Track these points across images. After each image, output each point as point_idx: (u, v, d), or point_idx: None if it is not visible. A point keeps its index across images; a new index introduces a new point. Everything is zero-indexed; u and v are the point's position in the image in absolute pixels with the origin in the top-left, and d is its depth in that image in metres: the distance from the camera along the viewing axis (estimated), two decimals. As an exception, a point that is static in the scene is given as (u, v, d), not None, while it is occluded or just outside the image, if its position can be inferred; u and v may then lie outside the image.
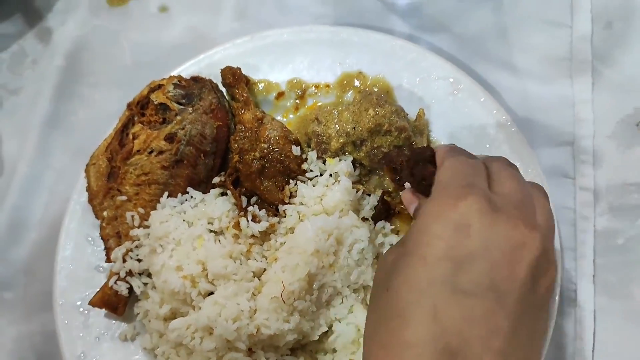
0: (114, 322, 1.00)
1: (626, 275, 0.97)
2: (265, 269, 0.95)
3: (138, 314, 0.99)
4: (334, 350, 0.93)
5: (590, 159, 1.03)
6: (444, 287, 0.60)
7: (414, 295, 0.61)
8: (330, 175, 0.99)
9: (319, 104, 1.09)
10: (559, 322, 0.94)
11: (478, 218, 0.62)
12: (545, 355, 0.88)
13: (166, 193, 1.01)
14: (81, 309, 1.00)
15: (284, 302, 0.88)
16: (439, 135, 1.03)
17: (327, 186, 0.98)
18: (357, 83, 1.08)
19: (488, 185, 0.67)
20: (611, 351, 0.93)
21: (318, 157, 1.01)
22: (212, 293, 0.93)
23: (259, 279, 0.94)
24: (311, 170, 1.00)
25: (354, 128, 0.97)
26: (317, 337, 0.93)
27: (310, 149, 1.02)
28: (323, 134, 0.99)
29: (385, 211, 1.00)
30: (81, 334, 0.99)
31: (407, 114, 1.01)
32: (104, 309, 0.99)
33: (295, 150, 1.01)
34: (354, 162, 1.00)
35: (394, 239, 0.97)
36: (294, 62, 1.11)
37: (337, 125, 0.98)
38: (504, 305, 0.60)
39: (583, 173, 1.03)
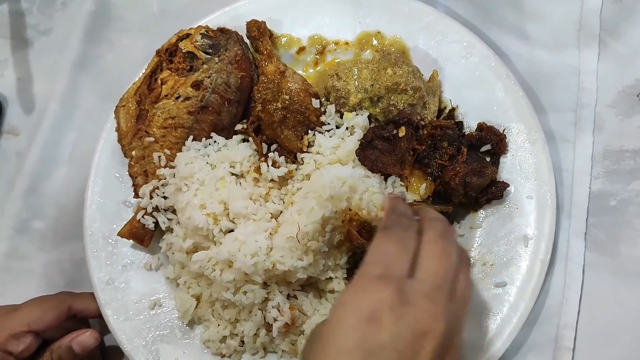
0: (139, 252, 1.08)
1: (615, 234, 1.04)
2: (282, 211, 1.03)
3: (162, 246, 1.07)
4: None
5: (590, 127, 1.09)
6: None
7: None
8: (347, 128, 1.06)
9: (338, 60, 1.14)
10: (550, 273, 1.01)
11: (388, 312, 0.68)
12: (535, 302, 0.97)
13: (191, 137, 1.08)
14: (110, 240, 1.08)
15: (299, 242, 0.96)
16: (450, 96, 1.09)
17: (342, 138, 1.05)
18: (375, 42, 1.13)
19: (411, 264, 0.73)
20: (597, 300, 1.01)
21: (336, 111, 1.07)
22: (232, 230, 1.01)
23: (276, 220, 1.02)
24: (328, 124, 1.07)
25: (372, 85, 1.04)
26: (325, 278, 1.02)
27: (329, 103, 1.08)
28: (342, 89, 1.05)
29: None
30: (109, 262, 1.07)
31: (422, 75, 1.07)
32: (130, 240, 1.07)
33: (315, 102, 1.07)
34: (369, 117, 1.06)
35: (402, 189, 1.05)
36: (316, 19, 1.15)
37: (356, 82, 1.05)
38: None
39: (582, 139, 1.09)
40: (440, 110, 1.09)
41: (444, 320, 0.69)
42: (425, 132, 1.04)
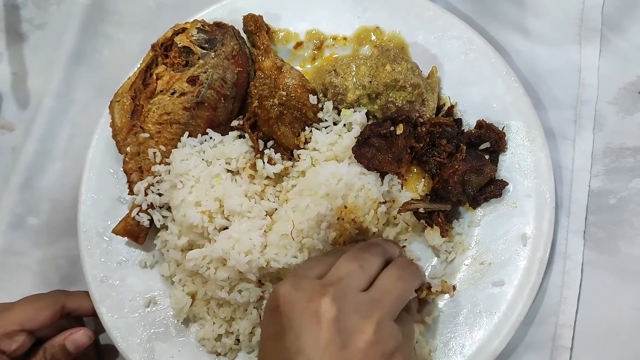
0: (134, 250, 1.08)
1: (615, 232, 1.03)
2: (277, 209, 1.02)
3: (157, 244, 1.06)
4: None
5: (591, 124, 1.08)
6: None
7: None
8: (344, 125, 1.04)
9: (336, 55, 1.13)
10: (548, 271, 1.01)
11: (282, 300, 0.77)
12: (533, 302, 0.96)
13: (187, 133, 1.07)
14: (104, 237, 1.07)
15: (293, 239, 0.95)
16: (449, 92, 1.08)
17: (339, 135, 1.04)
18: (373, 38, 1.12)
19: (323, 272, 0.81)
20: (596, 299, 1.00)
21: (334, 108, 1.06)
22: (226, 228, 1.00)
23: (271, 218, 1.01)
24: (326, 120, 1.06)
25: (371, 82, 1.02)
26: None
27: (326, 99, 1.07)
28: (340, 86, 1.04)
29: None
30: (103, 260, 1.06)
31: (421, 71, 1.06)
32: (125, 238, 1.06)
33: (312, 99, 1.06)
34: (367, 114, 1.05)
35: (399, 187, 1.04)
36: (314, 13, 1.14)
37: (354, 78, 1.03)
38: None
39: (583, 136, 1.08)
40: (439, 107, 1.07)
41: (336, 301, 0.75)
42: (424, 129, 1.02)
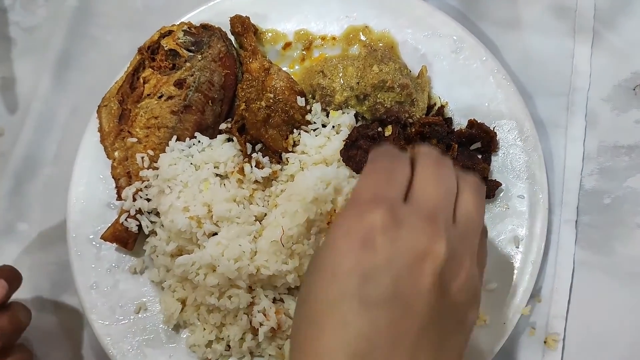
0: (124, 256, 1.06)
1: (610, 233, 1.02)
2: (266, 214, 1.00)
3: (146, 249, 1.05)
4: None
5: (582, 110, 1.06)
6: (353, 299, 0.64)
7: (327, 307, 0.65)
8: (333, 127, 1.03)
9: (326, 55, 1.11)
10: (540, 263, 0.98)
11: (381, 234, 0.64)
12: (526, 305, 0.95)
13: (175, 137, 1.05)
14: (94, 242, 1.06)
15: (283, 246, 0.94)
16: (440, 92, 1.06)
17: (328, 137, 1.02)
18: (363, 37, 1.11)
19: (406, 190, 0.69)
20: (590, 300, 1.00)
21: (322, 109, 1.04)
22: (216, 234, 0.99)
23: (260, 223, 1.00)
24: (314, 122, 1.04)
25: (358, 83, 1.01)
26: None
27: (315, 101, 1.05)
28: (328, 87, 1.03)
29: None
30: (93, 265, 1.05)
31: (410, 72, 1.04)
32: (115, 244, 1.05)
33: (300, 101, 1.04)
34: (356, 115, 1.03)
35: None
36: (302, 13, 1.12)
37: (342, 80, 1.02)
38: (409, 313, 0.64)
39: (575, 124, 1.06)
40: (430, 107, 1.06)
41: (445, 242, 0.65)
42: (414, 129, 1.01)
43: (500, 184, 0.99)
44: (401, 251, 0.64)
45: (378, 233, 0.64)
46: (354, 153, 0.99)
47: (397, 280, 0.64)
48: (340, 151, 0.99)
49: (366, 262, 0.64)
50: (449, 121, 1.04)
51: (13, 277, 0.97)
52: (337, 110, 1.03)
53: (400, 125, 1.01)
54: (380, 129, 0.99)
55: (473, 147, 1.01)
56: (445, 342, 0.68)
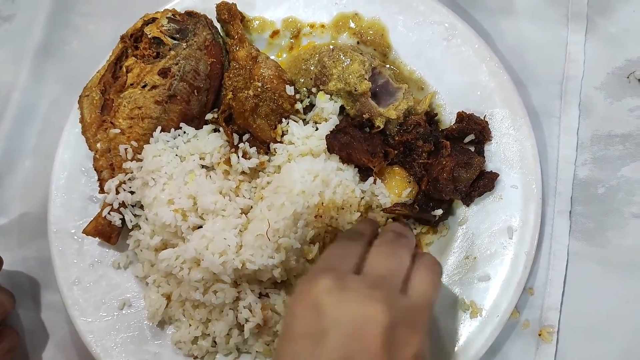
0: (107, 250, 1.03)
1: (604, 223, 1.00)
2: (252, 207, 0.98)
3: (130, 244, 1.02)
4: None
5: (576, 99, 1.05)
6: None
7: None
8: (317, 109, 1.01)
9: (316, 44, 1.09)
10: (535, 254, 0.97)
11: (327, 297, 0.71)
12: (520, 296, 0.93)
13: (159, 128, 1.02)
14: (75, 237, 1.03)
15: (269, 240, 0.91)
16: (431, 81, 1.04)
17: (316, 122, 1.00)
18: (352, 24, 1.08)
19: (357, 264, 0.78)
20: (585, 291, 0.98)
21: (314, 85, 1.02)
22: (201, 227, 0.96)
23: (246, 216, 0.97)
24: (299, 93, 1.03)
25: (355, 87, 0.98)
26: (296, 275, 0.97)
27: (304, 84, 1.04)
28: (329, 69, 1.00)
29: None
30: (75, 261, 1.02)
31: (412, 94, 1.03)
32: (97, 238, 1.02)
33: (289, 90, 1.02)
34: (342, 109, 1.01)
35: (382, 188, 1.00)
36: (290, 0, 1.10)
37: (343, 71, 0.99)
38: None
39: (568, 113, 1.05)
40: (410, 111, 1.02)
41: (387, 307, 0.70)
42: (397, 138, 0.99)
43: (498, 175, 0.97)
44: (346, 313, 0.70)
45: (324, 295, 0.72)
46: (341, 136, 0.96)
47: (346, 343, 0.69)
48: (326, 136, 0.97)
49: (314, 325, 0.70)
50: (429, 115, 1.01)
51: None
52: (327, 94, 1.01)
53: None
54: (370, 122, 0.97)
55: (467, 140, 0.99)
56: None
